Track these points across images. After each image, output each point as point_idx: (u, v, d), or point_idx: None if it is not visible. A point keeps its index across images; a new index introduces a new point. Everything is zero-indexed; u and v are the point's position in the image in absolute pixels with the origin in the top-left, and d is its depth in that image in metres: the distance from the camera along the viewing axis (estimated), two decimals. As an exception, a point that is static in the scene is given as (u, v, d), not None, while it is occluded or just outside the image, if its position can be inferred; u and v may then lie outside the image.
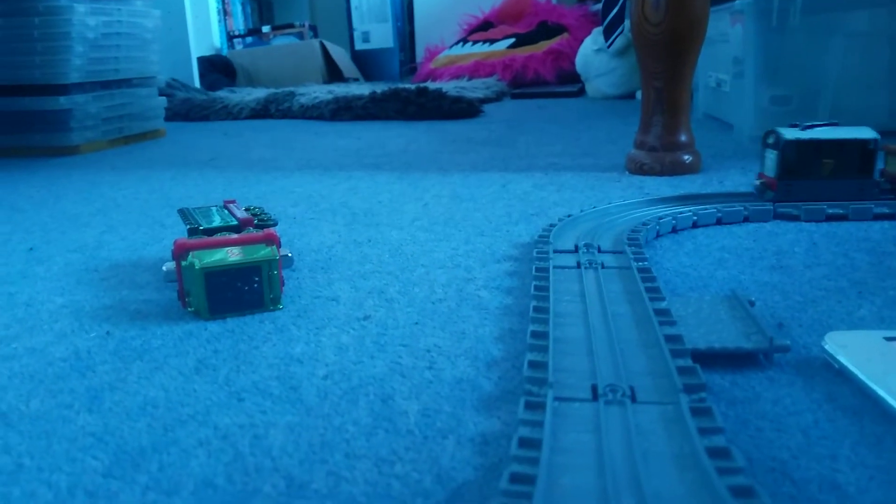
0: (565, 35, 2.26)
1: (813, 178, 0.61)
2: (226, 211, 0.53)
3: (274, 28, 2.73)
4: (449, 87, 1.89)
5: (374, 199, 0.75)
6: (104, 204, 0.79)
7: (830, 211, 0.60)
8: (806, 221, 0.60)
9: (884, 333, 0.35)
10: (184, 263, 0.43)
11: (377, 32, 2.77)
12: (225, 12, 2.73)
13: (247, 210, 0.53)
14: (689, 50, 0.82)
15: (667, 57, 0.82)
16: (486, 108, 1.71)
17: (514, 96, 2.03)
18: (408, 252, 0.56)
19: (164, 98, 1.46)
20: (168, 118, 1.54)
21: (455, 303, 0.44)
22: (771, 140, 0.60)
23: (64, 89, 1.19)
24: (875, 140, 0.59)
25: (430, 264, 0.52)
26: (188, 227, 0.49)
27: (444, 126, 1.42)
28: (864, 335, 0.35)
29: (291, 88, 1.90)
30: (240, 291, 0.43)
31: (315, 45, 2.46)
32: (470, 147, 1.12)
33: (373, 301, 0.45)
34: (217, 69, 2.30)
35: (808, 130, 0.58)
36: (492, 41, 2.38)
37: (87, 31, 1.22)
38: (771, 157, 0.60)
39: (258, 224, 0.50)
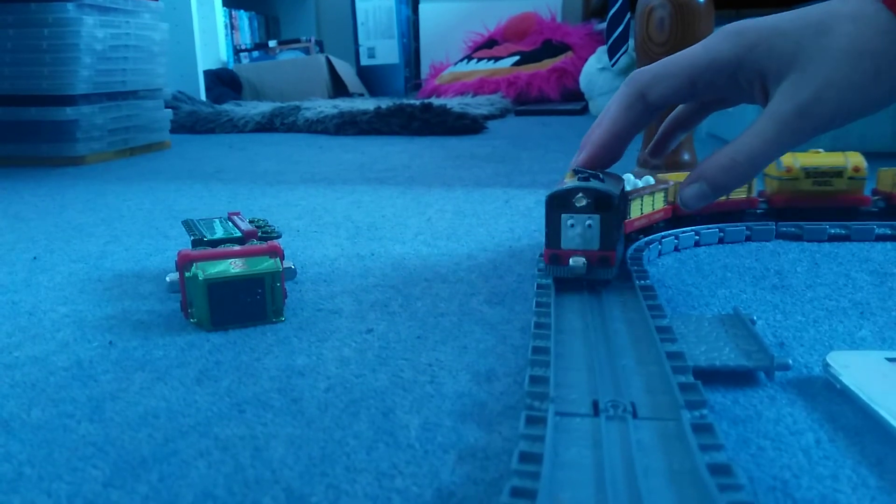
0: (569, 53, 2.27)
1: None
2: (230, 223, 0.53)
3: (280, 43, 2.75)
4: (453, 103, 1.90)
5: (377, 213, 0.76)
6: (108, 214, 0.79)
7: (832, 230, 0.61)
8: (808, 241, 0.60)
9: (886, 354, 0.35)
10: (187, 274, 0.43)
11: (383, 48, 2.79)
12: (232, 26, 2.75)
13: (251, 222, 0.53)
14: (693, 69, 0.83)
15: (670, 76, 0.83)
16: (490, 124, 1.72)
17: (518, 113, 2.04)
18: (410, 266, 0.56)
19: (170, 110, 1.47)
20: (173, 130, 1.55)
21: (457, 317, 0.44)
22: (583, 202, 0.41)
23: (71, 100, 1.20)
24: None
25: (433, 278, 0.53)
26: (192, 238, 0.49)
27: (448, 142, 1.43)
28: (866, 355, 0.35)
29: (297, 103, 1.91)
30: (242, 303, 0.43)
31: (321, 60, 2.47)
32: (473, 163, 1.12)
33: (375, 314, 0.45)
34: (223, 83, 2.32)
35: (593, 181, 0.42)
36: (496, 59, 2.40)
37: (96, 43, 1.23)
38: (586, 223, 0.42)
39: (262, 236, 0.50)
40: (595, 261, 0.42)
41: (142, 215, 0.78)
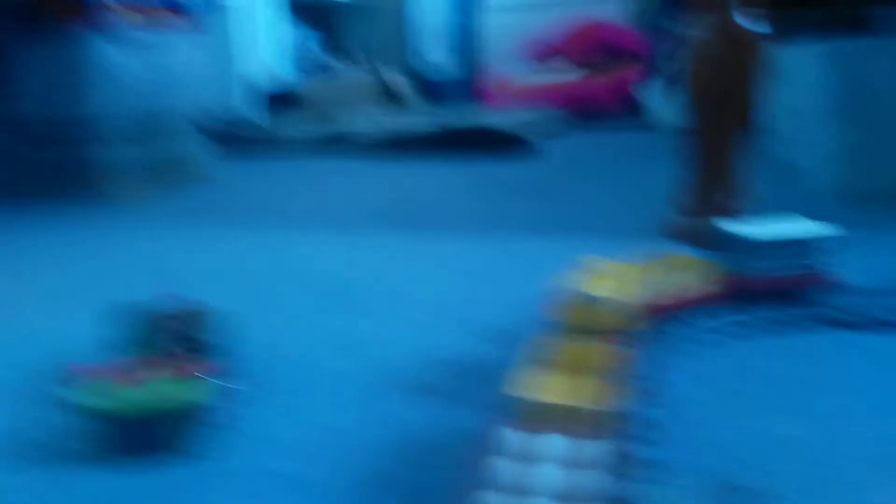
0: (634, 64, 2.17)
1: None
2: (163, 326, 0.46)
3: (339, 59, 2.75)
4: (509, 119, 1.83)
5: (380, 279, 0.69)
6: (84, 274, 0.76)
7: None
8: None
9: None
10: (76, 397, 0.38)
11: (442, 60, 2.76)
12: (296, 46, 2.76)
13: (181, 316, 0.47)
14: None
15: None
16: (546, 143, 1.64)
17: (578, 128, 1.95)
18: (391, 362, 0.49)
19: (208, 140, 1.44)
20: (228, 154, 1.54)
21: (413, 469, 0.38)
22: None
23: (102, 135, 1.18)
24: None
25: (406, 390, 0.46)
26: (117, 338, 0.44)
27: (495, 168, 1.36)
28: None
29: (349, 123, 1.88)
30: (146, 436, 0.38)
31: (378, 75, 2.47)
32: (514, 197, 1.06)
33: (322, 452, 0.39)
34: (285, 102, 2.33)
35: None
36: (559, 69, 2.33)
37: (131, 77, 1.21)
38: None
39: (190, 349, 0.44)
40: None
41: (122, 275, 0.74)
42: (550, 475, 0.29)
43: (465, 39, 2.79)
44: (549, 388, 0.36)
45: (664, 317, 0.50)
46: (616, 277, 0.47)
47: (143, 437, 0.38)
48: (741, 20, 0.71)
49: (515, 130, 1.61)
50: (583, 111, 2.12)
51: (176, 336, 0.45)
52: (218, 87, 1.88)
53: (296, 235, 0.89)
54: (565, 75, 2.26)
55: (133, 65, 1.22)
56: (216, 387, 0.41)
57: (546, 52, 2.45)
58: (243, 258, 0.80)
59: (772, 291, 0.53)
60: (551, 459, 0.30)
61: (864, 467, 0.35)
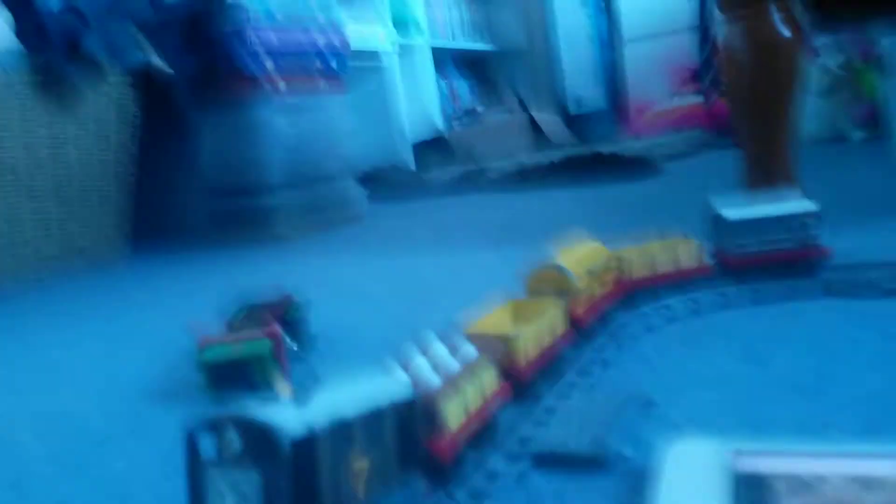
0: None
1: None
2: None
3: (487, 106, 2.91)
4: (639, 146, 1.87)
5: (456, 280, 0.80)
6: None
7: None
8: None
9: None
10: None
11: (589, 95, 2.82)
12: (452, 96, 2.96)
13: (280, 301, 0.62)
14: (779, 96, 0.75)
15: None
16: (673, 165, 1.67)
17: (711, 146, 1.95)
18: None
19: (362, 184, 1.64)
20: (375, 197, 1.73)
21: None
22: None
23: (268, 189, 1.40)
24: None
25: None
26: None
27: (610, 190, 1.42)
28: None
29: (486, 163, 2.02)
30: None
31: (523, 118, 2.59)
32: (608, 211, 1.12)
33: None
34: (435, 147, 2.51)
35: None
36: (701, 92, 2.31)
37: (291, 133, 1.43)
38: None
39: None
40: None
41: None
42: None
43: (609, 72, 2.85)
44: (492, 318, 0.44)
45: (636, 290, 0.54)
46: (592, 251, 0.52)
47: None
48: (775, 24, 0.72)
49: (640, 153, 1.66)
50: (725, 129, 2.11)
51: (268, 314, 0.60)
52: (373, 137, 2.10)
53: (409, 256, 1.03)
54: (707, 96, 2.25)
55: (293, 123, 1.44)
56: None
57: (686, 76, 2.46)
58: (359, 273, 0.94)
59: (758, 266, 0.55)
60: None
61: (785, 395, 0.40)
